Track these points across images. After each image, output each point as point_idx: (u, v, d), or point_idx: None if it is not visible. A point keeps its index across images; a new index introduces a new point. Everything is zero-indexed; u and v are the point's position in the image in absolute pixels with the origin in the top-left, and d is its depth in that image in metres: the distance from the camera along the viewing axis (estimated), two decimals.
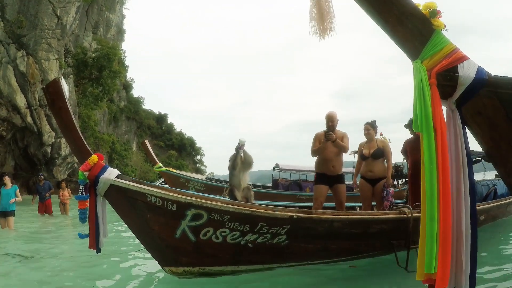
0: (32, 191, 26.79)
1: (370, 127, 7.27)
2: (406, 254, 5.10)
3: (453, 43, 2.97)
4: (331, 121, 6.80)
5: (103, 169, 4.22)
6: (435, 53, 2.94)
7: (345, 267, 5.51)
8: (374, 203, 7.51)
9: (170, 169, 18.53)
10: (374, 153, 7.08)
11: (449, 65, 2.92)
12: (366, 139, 7.38)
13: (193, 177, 18.48)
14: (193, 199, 4.31)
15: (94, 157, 4.19)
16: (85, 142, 4.26)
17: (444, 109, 3.01)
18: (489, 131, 3.26)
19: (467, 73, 2.91)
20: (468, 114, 3.16)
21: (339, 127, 6.89)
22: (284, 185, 21.09)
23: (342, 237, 5.18)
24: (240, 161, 5.78)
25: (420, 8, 3.02)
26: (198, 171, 68.67)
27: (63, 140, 26.36)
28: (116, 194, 4.31)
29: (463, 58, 2.94)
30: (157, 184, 22.22)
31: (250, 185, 17.78)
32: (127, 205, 4.35)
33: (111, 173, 4.25)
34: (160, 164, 16.99)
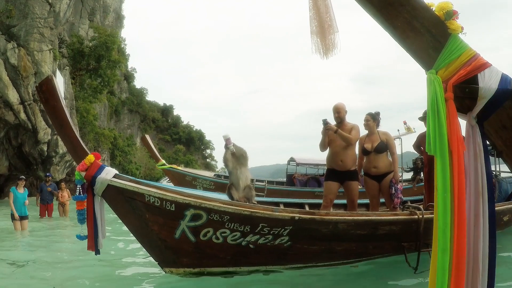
0: (31, 192, 27.17)
1: (370, 118, 7.24)
2: (417, 257, 5.31)
3: (472, 48, 2.81)
4: (337, 112, 6.95)
5: (100, 169, 4.50)
6: (451, 61, 2.77)
7: (351, 269, 5.74)
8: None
9: (175, 166, 18.30)
10: (377, 147, 7.06)
11: (468, 74, 2.75)
12: (367, 132, 7.35)
13: (200, 175, 18.32)
14: (192, 199, 4.58)
15: (91, 157, 4.46)
16: (81, 141, 4.54)
17: (463, 124, 2.85)
18: None
19: (488, 84, 2.74)
20: (491, 129, 2.99)
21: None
22: (301, 181, 20.77)
23: (348, 238, 5.35)
24: (229, 157, 5.81)
25: (434, 10, 2.85)
26: (208, 166, 68.99)
27: None
28: (113, 194, 4.60)
29: (484, 66, 2.77)
30: (163, 182, 22.28)
31: (265, 181, 17.72)
32: (125, 205, 4.63)
33: (108, 173, 4.52)
34: (164, 162, 16.80)
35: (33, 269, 6.58)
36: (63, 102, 4.41)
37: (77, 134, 4.55)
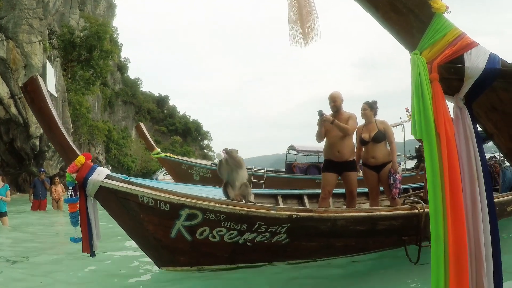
0: (24, 189, 27.22)
1: (367, 107, 7.20)
2: (418, 251, 5.34)
3: (458, 27, 2.72)
4: (333, 101, 6.93)
5: (91, 170, 4.49)
6: (436, 41, 2.69)
7: (351, 263, 5.76)
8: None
9: (170, 155, 18.01)
10: (375, 136, 7.02)
11: (454, 54, 2.68)
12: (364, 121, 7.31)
13: (197, 163, 18.04)
14: (186, 199, 4.60)
15: (81, 158, 4.44)
16: (70, 142, 4.52)
17: (451, 106, 2.78)
18: (508, 130, 3.00)
19: (475, 63, 2.66)
20: (481, 111, 2.94)
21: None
22: (301, 169, 20.61)
23: (347, 234, 5.38)
24: (224, 171, 5.76)
25: None
26: (206, 157, 68.95)
27: None
28: (106, 195, 4.61)
29: (470, 45, 2.69)
30: (160, 175, 22.18)
31: (264, 169, 17.60)
32: (119, 206, 4.66)
33: (100, 174, 4.51)
34: (159, 150, 16.51)
35: (15, 266, 6.57)
36: (50, 102, 4.37)
37: (66, 134, 4.53)
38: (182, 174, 16.20)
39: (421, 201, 5.76)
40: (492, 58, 2.68)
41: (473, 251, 2.63)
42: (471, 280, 2.61)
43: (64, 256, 7.04)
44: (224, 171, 5.77)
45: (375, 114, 7.29)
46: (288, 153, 22.10)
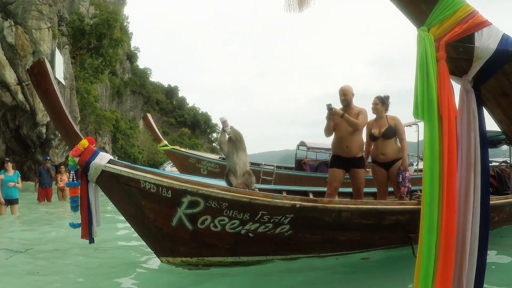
0: (29, 177, 27.37)
1: (379, 102, 7.12)
2: None
3: (470, 4, 2.61)
4: (343, 95, 6.87)
5: (94, 154, 4.53)
6: (445, 18, 2.58)
7: (356, 260, 5.77)
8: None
9: (177, 147, 17.86)
10: (385, 132, 6.95)
11: (464, 33, 2.56)
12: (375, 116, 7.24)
13: (205, 157, 17.92)
14: (189, 185, 4.60)
15: (84, 142, 4.50)
16: (74, 126, 4.57)
17: (457, 88, 2.69)
18: None
19: (486, 43, 2.55)
20: (489, 96, 2.82)
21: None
22: (312, 166, 20.36)
23: (352, 228, 5.35)
24: (225, 140, 5.73)
25: None
26: (214, 150, 68.92)
27: None
28: (108, 181, 4.63)
29: (482, 24, 2.57)
30: (167, 166, 22.01)
31: (273, 165, 17.47)
32: (120, 191, 4.67)
33: (103, 158, 4.55)
34: (166, 142, 16.44)
35: (18, 256, 6.63)
36: (56, 86, 4.42)
37: (71, 119, 4.58)
38: (189, 168, 16.09)
39: None
40: (505, 40, 2.58)
41: (459, 244, 2.58)
42: (454, 273, 2.57)
43: (64, 247, 7.13)
44: (225, 147, 5.77)
45: (386, 109, 7.23)
46: (298, 149, 21.90)
